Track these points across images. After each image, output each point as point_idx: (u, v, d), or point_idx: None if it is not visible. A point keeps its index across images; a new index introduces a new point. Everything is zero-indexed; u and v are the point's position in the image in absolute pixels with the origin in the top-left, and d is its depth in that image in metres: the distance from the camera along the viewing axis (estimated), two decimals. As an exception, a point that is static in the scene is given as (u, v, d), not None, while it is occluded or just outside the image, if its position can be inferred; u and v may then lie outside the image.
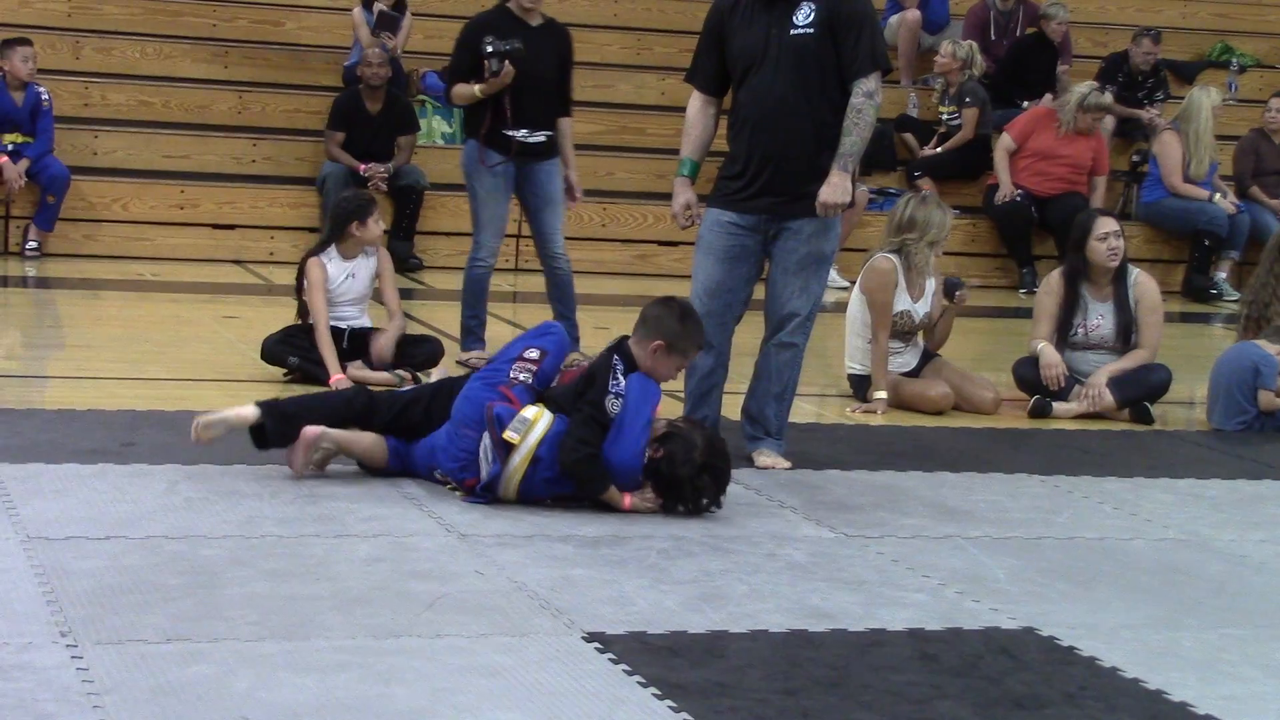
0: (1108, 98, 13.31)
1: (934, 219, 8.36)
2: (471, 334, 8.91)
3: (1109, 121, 14.67)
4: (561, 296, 8.95)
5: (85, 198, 12.03)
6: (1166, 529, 6.42)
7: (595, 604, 5.03)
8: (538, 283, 9.15)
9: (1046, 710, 4.43)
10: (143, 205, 12.17)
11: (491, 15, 8.89)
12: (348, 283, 8.32)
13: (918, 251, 8.32)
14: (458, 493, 6.13)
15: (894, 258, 8.33)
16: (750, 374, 7.06)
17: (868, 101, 6.69)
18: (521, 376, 6.14)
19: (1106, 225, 8.56)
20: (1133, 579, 5.71)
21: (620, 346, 6.23)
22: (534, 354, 6.22)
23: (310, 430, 6.19)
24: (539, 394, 6.17)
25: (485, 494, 6.06)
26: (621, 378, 6.08)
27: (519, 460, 6.00)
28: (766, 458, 6.93)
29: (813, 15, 6.68)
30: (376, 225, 8.35)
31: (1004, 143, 13.44)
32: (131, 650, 4.38)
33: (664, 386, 6.30)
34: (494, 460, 6.01)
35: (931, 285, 8.47)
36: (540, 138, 8.74)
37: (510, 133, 8.66)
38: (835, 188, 6.66)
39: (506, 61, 8.51)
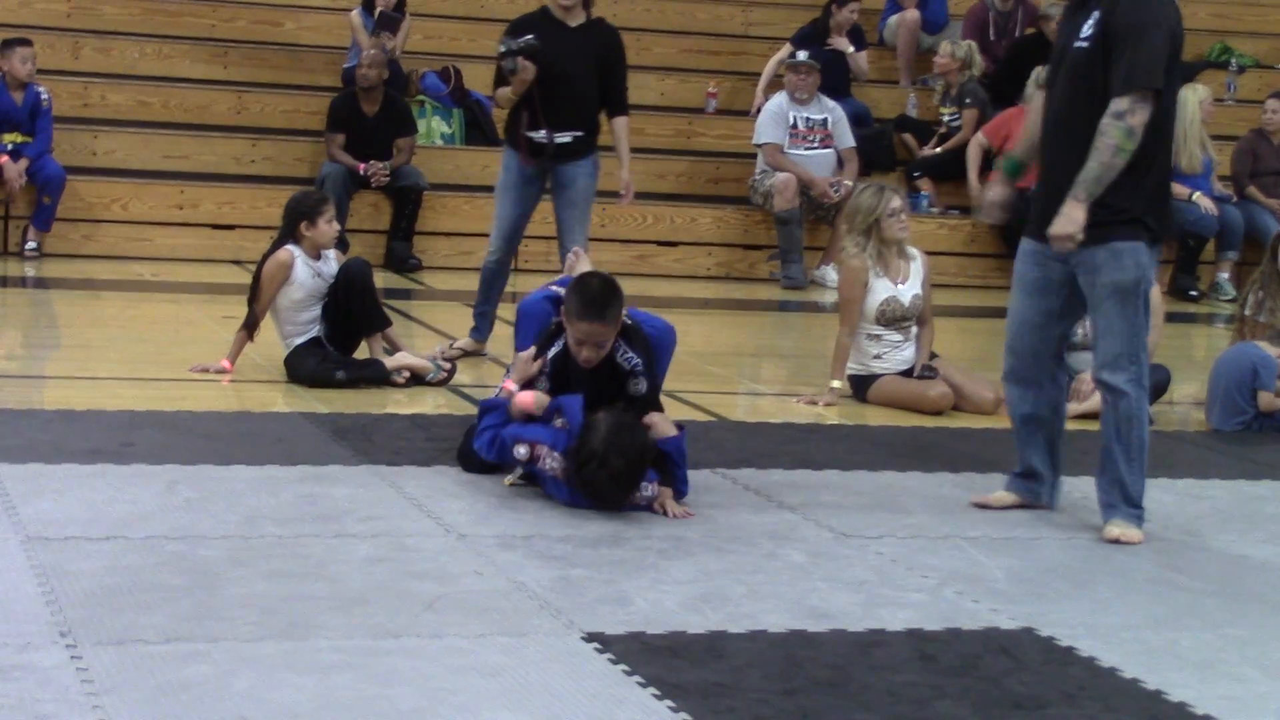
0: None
1: (863, 204, 8.46)
2: (475, 323, 8.94)
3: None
4: None
5: (84, 198, 12.03)
6: (1166, 529, 6.42)
7: (595, 604, 5.03)
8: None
9: (1046, 710, 4.43)
10: (142, 205, 12.17)
11: (528, 17, 8.82)
12: (316, 282, 8.10)
13: (853, 239, 8.40)
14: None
15: (856, 250, 8.39)
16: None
17: (1114, 123, 5.93)
18: None
19: None
20: (1132, 579, 5.71)
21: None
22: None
23: None
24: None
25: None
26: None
27: None
28: (1114, 529, 6.16)
29: (1094, 28, 6.07)
30: (329, 226, 8.05)
31: (978, 140, 13.48)
32: (131, 650, 4.38)
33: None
34: None
35: (919, 268, 8.47)
36: (566, 138, 8.63)
37: (530, 134, 8.56)
38: (1064, 219, 5.97)
39: (521, 59, 8.41)
